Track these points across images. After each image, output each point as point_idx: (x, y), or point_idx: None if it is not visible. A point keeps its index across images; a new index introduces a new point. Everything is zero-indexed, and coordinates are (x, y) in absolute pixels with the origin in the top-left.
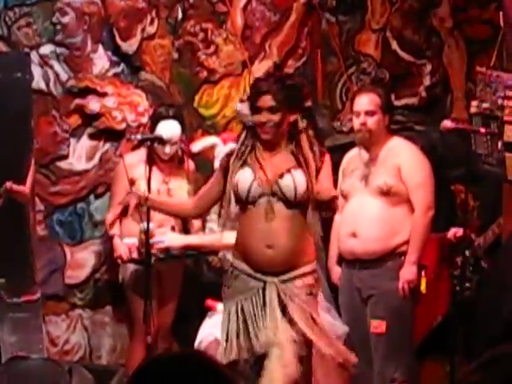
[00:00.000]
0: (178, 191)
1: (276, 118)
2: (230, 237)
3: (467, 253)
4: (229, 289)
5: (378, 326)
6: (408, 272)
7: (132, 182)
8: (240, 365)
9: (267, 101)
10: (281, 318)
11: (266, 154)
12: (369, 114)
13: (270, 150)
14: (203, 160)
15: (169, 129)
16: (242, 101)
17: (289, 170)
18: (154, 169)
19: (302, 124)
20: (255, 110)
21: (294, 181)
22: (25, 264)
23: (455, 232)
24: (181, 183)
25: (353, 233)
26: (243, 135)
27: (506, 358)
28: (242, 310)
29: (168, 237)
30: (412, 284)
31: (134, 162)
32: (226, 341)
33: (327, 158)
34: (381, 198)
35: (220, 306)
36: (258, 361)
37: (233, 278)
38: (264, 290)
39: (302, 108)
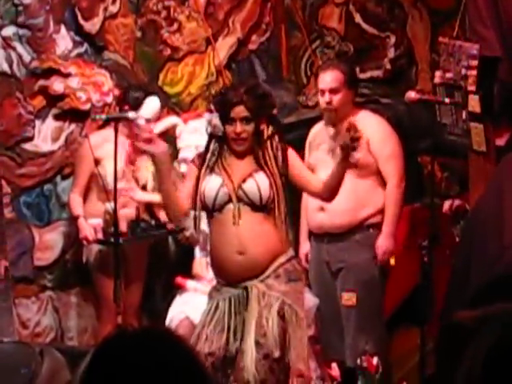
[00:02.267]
0: (144, 172)
1: (250, 128)
2: None
3: (462, 223)
4: (211, 300)
5: (348, 298)
6: (385, 243)
7: (97, 162)
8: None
9: (240, 112)
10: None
11: (232, 160)
12: (333, 91)
13: (237, 157)
14: (165, 137)
15: (154, 105)
16: (210, 111)
17: (250, 174)
18: (120, 149)
19: (268, 132)
20: (228, 120)
21: (258, 184)
22: None
23: (450, 204)
24: (146, 164)
25: (320, 207)
26: (212, 145)
27: (496, 319)
28: (217, 307)
29: (136, 191)
30: (389, 255)
31: (99, 141)
32: (200, 331)
33: (290, 152)
34: (348, 170)
35: (189, 283)
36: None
37: (214, 290)
38: (247, 294)
39: (270, 115)
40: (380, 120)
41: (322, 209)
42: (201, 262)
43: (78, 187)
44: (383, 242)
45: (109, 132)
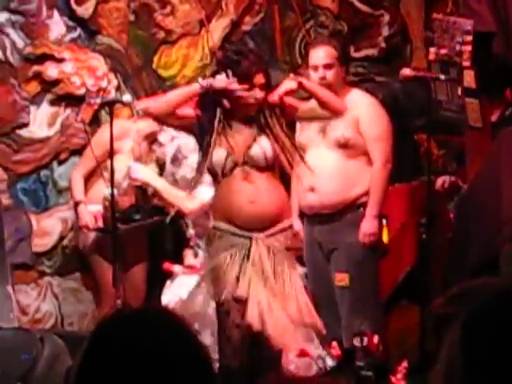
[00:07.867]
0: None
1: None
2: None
3: (456, 200)
4: (211, 248)
5: (341, 279)
6: (368, 225)
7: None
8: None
9: (260, 78)
10: (270, 273)
11: (234, 125)
12: (327, 67)
13: (239, 121)
14: None
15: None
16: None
17: (255, 139)
18: (132, 144)
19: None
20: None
21: (262, 148)
22: None
23: (443, 181)
24: (151, 164)
25: (311, 187)
26: (219, 113)
27: (474, 292)
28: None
29: (142, 171)
30: (373, 237)
31: (120, 134)
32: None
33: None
34: (338, 150)
35: (176, 268)
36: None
37: (216, 238)
38: (250, 245)
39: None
40: (372, 101)
41: (312, 189)
42: (188, 252)
43: (83, 168)
44: (365, 225)
45: (129, 124)
